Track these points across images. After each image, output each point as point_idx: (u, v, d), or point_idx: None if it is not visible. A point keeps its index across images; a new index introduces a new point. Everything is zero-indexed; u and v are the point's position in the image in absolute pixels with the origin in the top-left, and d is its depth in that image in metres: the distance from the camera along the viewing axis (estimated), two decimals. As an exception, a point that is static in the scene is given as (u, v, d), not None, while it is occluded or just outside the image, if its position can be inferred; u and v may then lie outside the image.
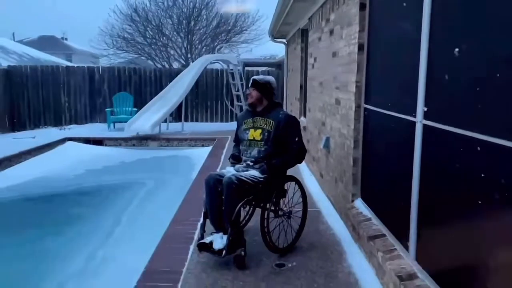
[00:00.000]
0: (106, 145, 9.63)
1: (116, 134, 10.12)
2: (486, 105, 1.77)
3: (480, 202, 1.81)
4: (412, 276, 2.35)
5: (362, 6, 3.41)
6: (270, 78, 3.41)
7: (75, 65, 12.99)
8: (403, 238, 2.61)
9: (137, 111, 10.61)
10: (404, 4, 2.72)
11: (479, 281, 1.83)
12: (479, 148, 1.79)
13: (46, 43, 31.03)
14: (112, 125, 11.05)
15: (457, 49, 1.97)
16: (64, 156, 8.39)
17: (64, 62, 17.26)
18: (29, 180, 6.77)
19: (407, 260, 2.52)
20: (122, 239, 4.36)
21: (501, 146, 1.63)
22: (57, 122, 12.09)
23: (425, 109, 2.31)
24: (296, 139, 3.24)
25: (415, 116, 2.42)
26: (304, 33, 7.02)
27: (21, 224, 4.95)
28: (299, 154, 3.27)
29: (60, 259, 3.96)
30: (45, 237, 4.45)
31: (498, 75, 1.68)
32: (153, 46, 20.67)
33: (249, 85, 3.35)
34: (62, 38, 36.34)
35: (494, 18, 1.73)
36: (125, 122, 10.12)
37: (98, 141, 9.63)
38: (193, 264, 3.03)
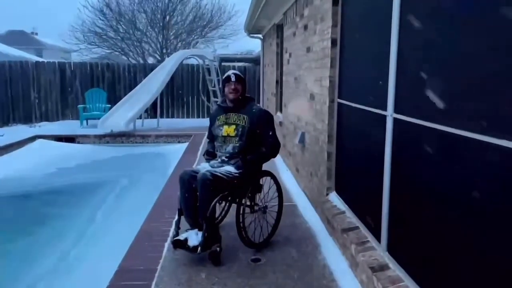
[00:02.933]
0: (78, 142, 9.40)
1: (89, 131, 9.88)
2: (453, 99, 1.81)
3: (449, 194, 1.86)
4: (383, 267, 2.40)
5: (334, 1, 3.44)
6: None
7: (45, 61, 12.57)
8: (375, 230, 2.66)
9: (110, 108, 10.38)
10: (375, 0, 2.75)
11: (447, 270, 1.88)
12: (448, 141, 1.84)
13: (15, 38, 29.84)
14: (85, 122, 10.79)
15: (425, 45, 2.01)
16: (34, 155, 8.14)
17: (34, 58, 16.63)
18: (-3, 180, 6.53)
19: (379, 252, 2.56)
20: (95, 238, 4.27)
21: (468, 139, 1.67)
22: (27, 119, 11.72)
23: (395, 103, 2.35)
24: (270, 133, 3.24)
25: (386, 110, 2.46)
26: (279, 28, 7.03)
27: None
28: (273, 148, 3.27)
29: (31, 259, 3.84)
30: (15, 238, 4.31)
31: (467, 69, 1.73)
32: (126, 41, 20.22)
33: (231, 80, 3.22)
34: (32, 33, 35.06)
35: (461, 15, 1.77)
36: (99, 118, 9.90)
37: (70, 139, 9.39)
38: (167, 262, 2.99)
